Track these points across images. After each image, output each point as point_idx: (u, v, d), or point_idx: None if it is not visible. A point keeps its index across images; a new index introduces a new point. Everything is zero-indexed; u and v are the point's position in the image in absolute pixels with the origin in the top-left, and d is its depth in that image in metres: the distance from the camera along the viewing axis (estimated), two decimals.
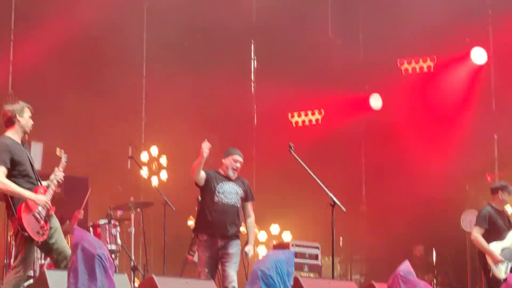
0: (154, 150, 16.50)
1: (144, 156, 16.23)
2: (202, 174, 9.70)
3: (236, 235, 9.82)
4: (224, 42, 17.67)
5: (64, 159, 8.70)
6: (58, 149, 8.76)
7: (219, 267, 9.74)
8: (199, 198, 10.24)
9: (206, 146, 9.48)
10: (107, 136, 15.48)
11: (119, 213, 11.78)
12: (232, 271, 9.63)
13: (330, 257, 16.17)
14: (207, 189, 9.77)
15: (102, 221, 11.30)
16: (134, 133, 16.56)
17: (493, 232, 11.56)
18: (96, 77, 15.84)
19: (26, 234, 7.99)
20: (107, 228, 11.22)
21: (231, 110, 17.73)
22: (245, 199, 10.00)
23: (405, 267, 7.36)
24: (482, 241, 11.54)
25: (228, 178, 9.89)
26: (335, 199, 9.20)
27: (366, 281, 15.93)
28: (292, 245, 13.12)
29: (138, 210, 11.93)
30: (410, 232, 16.06)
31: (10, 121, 8.37)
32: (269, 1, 17.53)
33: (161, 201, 11.64)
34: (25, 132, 8.41)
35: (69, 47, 15.50)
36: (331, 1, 17.50)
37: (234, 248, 9.74)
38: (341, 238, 16.02)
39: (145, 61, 17.29)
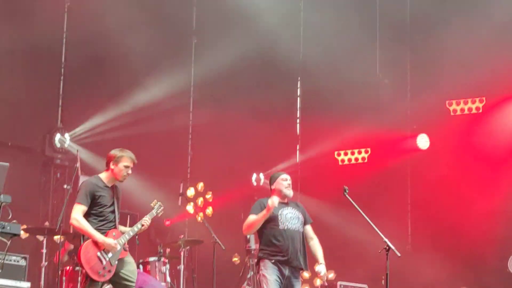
0: (200, 186, 16.57)
1: (190, 192, 16.27)
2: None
3: (304, 268, 9.44)
4: (270, 80, 17.76)
5: (155, 211, 8.80)
6: (155, 201, 8.87)
7: None
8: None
9: (276, 201, 9.21)
10: (153, 172, 15.57)
11: (167, 250, 11.77)
12: None
13: None
14: (269, 218, 9.31)
15: (152, 259, 11.32)
16: (180, 168, 16.62)
17: None
18: (145, 113, 15.94)
19: (84, 271, 8.11)
20: (156, 265, 11.23)
21: (276, 148, 17.77)
22: (305, 222, 9.64)
23: None
24: None
25: (284, 203, 9.50)
26: (390, 244, 9.12)
27: None
28: (340, 286, 12.99)
29: (188, 247, 11.94)
30: (455, 273, 15.90)
31: (107, 164, 8.58)
32: (316, 39, 17.62)
33: (208, 237, 11.68)
34: (116, 180, 8.54)
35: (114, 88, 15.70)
36: (379, 41, 17.50)
37: (299, 285, 9.43)
38: (383, 277, 15.87)
39: (192, 97, 17.39)
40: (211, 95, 17.20)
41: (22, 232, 10.95)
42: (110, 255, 8.25)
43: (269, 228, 9.36)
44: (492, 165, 16.04)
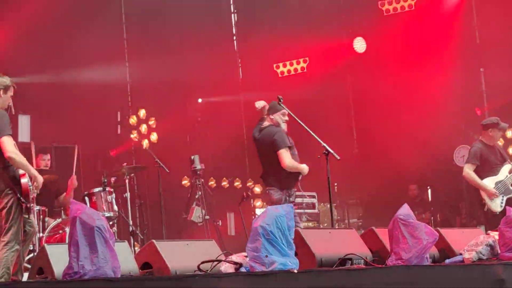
0: (142, 113, 16.42)
1: (132, 120, 16.12)
2: None
3: None
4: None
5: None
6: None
7: None
8: None
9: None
10: (93, 102, 15.38)
11: (112, 179, 11.70)
12: None
13: (326, 204, 16.31)
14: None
15: (96, 189, 11.23)
16: (120, 97, 16.43)
17: (486, 168, 11.62)
18: (78, 43, 15.59)
19: (30, 205, 7.98)
20: (102, 195, 11.15)
21: (215, 67, 17.63)
22: None
23: (404, 210, 7.35)
24: (474, 176, 11.61)
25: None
26: (328, 148, 9.16)
27: (363, 224, 16.00)
28: None
29: (132, 175, 11.87)
30: (404, 172, 16.09)
31: None
32: None
33: (154, 164, 11.63)
34: (0, 108, 8.22)
35: (45, 13, 15.23)
36: None
37: None
38: (335, 184, 16.03)
39: (125, 24, 17.05)
40: (143, 20, 16.86)
41: None
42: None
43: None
44: (430, 61, 16.08)
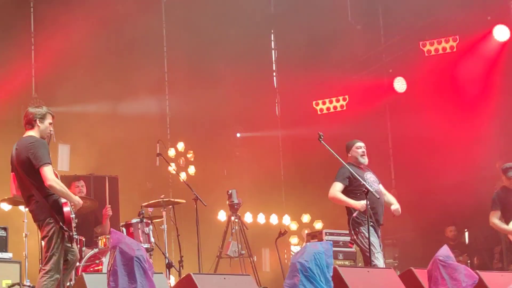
0: (181, 146, 16.56)
1: (171, 152, 16.25)
2: None
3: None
4: (243, 34, 17.60)
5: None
6: None
7: None
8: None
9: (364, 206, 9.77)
10: (132, 134, 15.52)
11: (149, 210, 11.71)
12: None
13: None
14: (357, 184, 9.99)
15: (134, 220, 11.24)
16: (159, 129, 16.56)
17: (508, 212, 11.56)
18: (119, 75, 15.80)
19: (72, 234, 8.00)
20: (139, 227, 11.15)
21: (254, 102, 17.72)
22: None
23: (444, 251, 7.30)
24: (499, 224, 11.57)
25: (361, 168, 10.33)
26: (368, 187, 9.16)
27: (399, 264, 15.85)
28: (326, 234, 12.95)
29: (170, 206, 11.87)
30: (442, 214, 15.97)
31: (29, 124, 8.32)
32: None
33: (191, 196, 11.63)
34: (41, 137, 8.31)
35: (88, 46, 15.49)
36: None
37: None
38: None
39: (166, 57, 17.25)
40: (184, 54, 17.00)
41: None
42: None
43: (359, 194, 9.93)
44: (471, 103, 16.00)
